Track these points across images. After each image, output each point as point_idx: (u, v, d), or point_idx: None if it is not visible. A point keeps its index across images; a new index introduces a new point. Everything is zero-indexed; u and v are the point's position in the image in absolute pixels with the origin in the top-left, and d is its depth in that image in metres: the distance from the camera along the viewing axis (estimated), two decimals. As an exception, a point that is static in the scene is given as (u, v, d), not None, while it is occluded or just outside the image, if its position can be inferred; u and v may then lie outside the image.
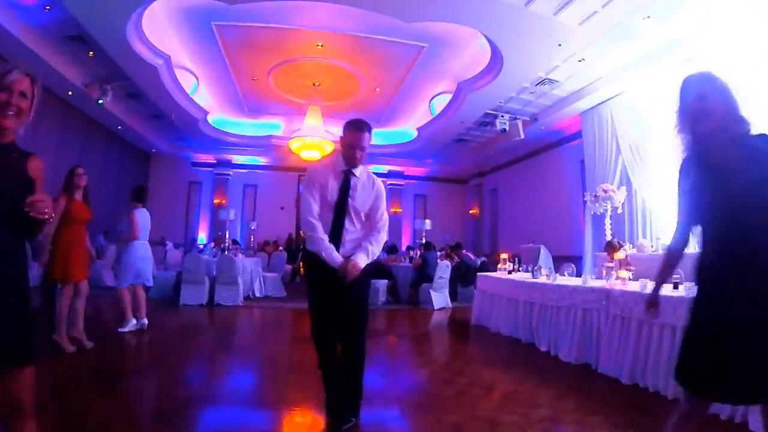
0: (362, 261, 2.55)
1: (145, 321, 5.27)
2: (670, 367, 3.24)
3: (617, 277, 4.21)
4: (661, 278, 1.99)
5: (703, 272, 1.65)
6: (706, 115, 1.71)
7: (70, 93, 9.27)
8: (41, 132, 8.68)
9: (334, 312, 2.62)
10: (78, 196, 4.26)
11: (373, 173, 2.85)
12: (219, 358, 4.51)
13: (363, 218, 2.70)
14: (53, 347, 4.02)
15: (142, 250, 5.26)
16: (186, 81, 10.04)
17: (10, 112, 1.54)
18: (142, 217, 5.20)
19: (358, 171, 2.70)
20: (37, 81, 1.65)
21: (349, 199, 2.62)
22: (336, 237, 2.61)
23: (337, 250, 2.57)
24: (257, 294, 8.76)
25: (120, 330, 5.04)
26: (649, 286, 3.72)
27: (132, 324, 5.13)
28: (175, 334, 5.56)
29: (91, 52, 7.86)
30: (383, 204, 2.77)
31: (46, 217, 1.48)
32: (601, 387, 3.63)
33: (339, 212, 2.62)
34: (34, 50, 7.24)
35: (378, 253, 2.70)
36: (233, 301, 7.50)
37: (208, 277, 7.52)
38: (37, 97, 1.65)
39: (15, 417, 1.51)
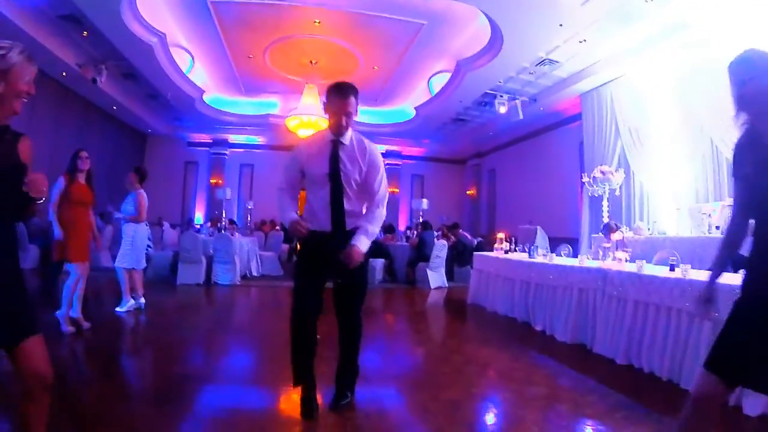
0: (364, 245, 2.37)
1: (143, 300, 5.28)
2: (665, 348, 3.30)
3: (614, 258, 4.23)
4: (717, 270, 1.78)
5: (754, 266, 1.58)
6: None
7: (63, 74, 9.13)
8: (37, 114, 8.58)
9: (321, 290, 2.50)
10: (81, 178, 4.22)
11: (367, 140, 2.60)
12: (217, 337, 4.53)
13: (359, 190, 2.50)
14: (53, 326, 4.04)
15: (146, 232, 5.30)
16: (181, 60, 9.89)
17: (24, 100, 1.58)
18: (145, 198, 5.18)
19: (347, 138, 2.49)
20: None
21: (341, 170, 2.43)
22: (336, 212, 2.45)
23: (339, 226, 2.45)
24: (254, 273, 8.78)
25: (118, 310, 5.05)
26: (645, 267, 3.75)
27: (131, 304, 5.14)
28: (172, 314, 5.57)
29: (84, 32, 7.72)
30: (380, 173, 2.54)
31: (43, 196, 1.51)
32: (596, 366, 3.66)
33: (334, 186, 2.43)
34: (25, 30, 7.10)
35: (377, 232, 2.49)
36: (230, 280, 7.52)
37: (205, 257, 7.52)
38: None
39: (38, 389, 1.53)
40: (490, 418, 2.67)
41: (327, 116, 2.50)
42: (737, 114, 1.62)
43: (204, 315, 5.76)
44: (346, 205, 2.46)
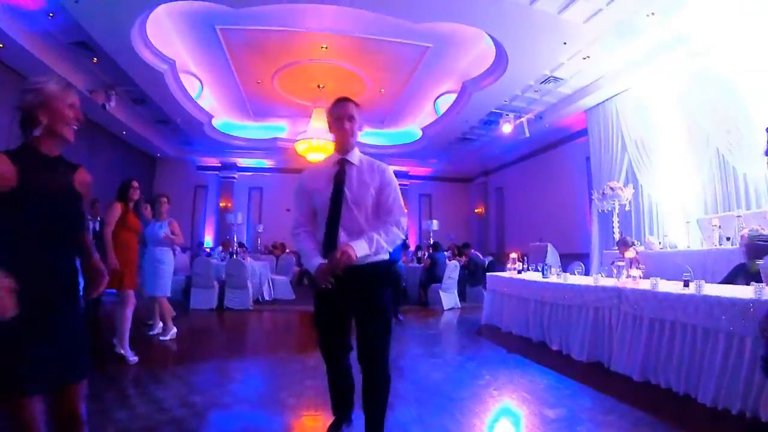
0: (359, 249, 2.06)
1: (161, 325, 5.34)
2: (682, 363, 3.28)
3: (628, 276, 4.21)
4: None
5: None
6: None
7: None
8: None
9: (343, 328, 2.30)
10: (130, 207, 4.37)
11: (378, 161, 2.39)
12: (233, 362, 4.54)
13: (368, 213, 2.24)
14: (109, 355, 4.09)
15: (172, 259, 5.32)
16: (191, 85, 10.10)
17: (75, 127, 1.65)
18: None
19: (355, 157, 2.31)
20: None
21: (346, 190, 2.21)
22: (331, 233, 2.18)
23: (331, 250, 2.11)
24: (266, 297, 8.80)
25: (162, 338, 5.10)
26: (661, 284, 3.74)
27: (173, 332, 5.17)
28: (188, 339, 5.53)
29: (95, 59, 7.90)
30: (394, 193, 2.30)
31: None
32: (614, 385, 3.63)
33: (334, 206, 2.20)
34: (38, 57, 7.27)
35: (387, 248, 2.22)
36: (243, 305, 7.54)
37: (217, 281, 7.56)
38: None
39: (71, 428, 1.56)
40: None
41: (332, 132, 2.35)
42: None
43: (219, 340, 5.77)
44: (344, 234, 2.18)
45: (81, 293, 1.70)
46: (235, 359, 4.72)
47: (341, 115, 2.27)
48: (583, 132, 9.95)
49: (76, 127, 1.64)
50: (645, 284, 3.87)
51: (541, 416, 2.97)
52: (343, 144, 2.30)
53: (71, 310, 1.58)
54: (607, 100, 8.69)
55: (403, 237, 2.32)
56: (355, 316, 2.23)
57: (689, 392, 3.20)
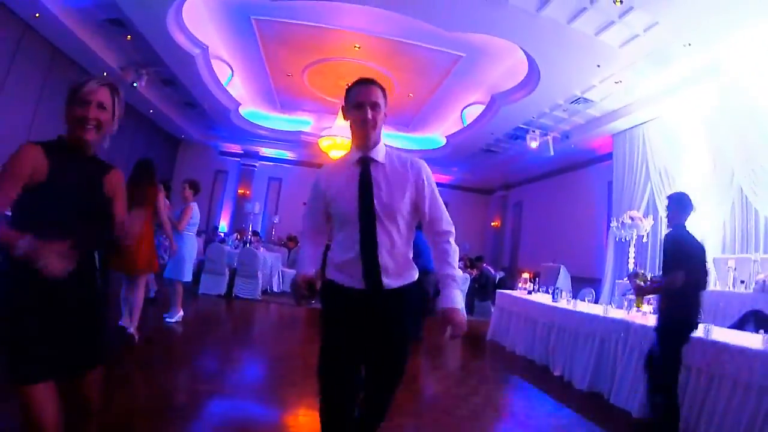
0: (459, 300, 1.76)
1: (182, 313, 5.43)
2: (683, 405, 3.23)
3: (637, 310, 4.16)
4: None
5: None
6: None
7: (105, 74, 9.49)
8: None
9: (354, 370, 1.83)
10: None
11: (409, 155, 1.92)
12: (237, 351, 4.61)
13: (402, 226, 1.81)
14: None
15: (194, 243, 5.45)
16: (221, 71, 10.22)
17: (89, 126, 1.52)
18: (196, 211, 5.33)
19: (381, 154, 1.83)
20: (117, 90, 1.61)
21: (375, 198, 1.76)
22: (369, 259, 1.75)
23: (376, 278, 1.75)
24: (275, 289, 8.88)
25: (168, 320, 5.17)
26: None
27: (180, 316, 5.26)
28: (195, 324, 5.60)
29: (129, 36, 7.99)
30: (433, 195, 1.86)
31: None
32: (613, 418, 3.60)
33: (365, 222, 1.75)
34: (73, 31, 7.39)
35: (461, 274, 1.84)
36: (251, 295, 7.63)
37: (229, 269, 7.65)
38: (119, 106, 1.62)
39: (84, 413, 1.58)
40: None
41: (350, 123, 1.87)
42: None
43: (225, 328, 5.85)
44: (386, 245, 1.77)
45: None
46: (239, 348, 4.78)
47: (362, 101, 1.79)
48: (608, 156, 9.82)
49: (92, 127, 1.53)
50: (654, 320, 3.81)
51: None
52: (364, 138, 1.81)
53: (86, 302, 1.57)
54: (635, 126, 8.57)
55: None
56: (368, 357, 1.83)
57: (690, 432, 3.17)
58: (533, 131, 9.76)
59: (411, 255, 1.88)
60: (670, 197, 3.48)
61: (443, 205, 1.88)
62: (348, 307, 1.78)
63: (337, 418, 1.80)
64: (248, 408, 3.07)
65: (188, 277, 5.30)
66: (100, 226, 1.55)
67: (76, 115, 1.51)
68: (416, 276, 1.89)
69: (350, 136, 1.91)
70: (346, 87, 1.90)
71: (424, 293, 5.62)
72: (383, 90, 1.85)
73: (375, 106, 1.80)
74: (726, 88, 6.44)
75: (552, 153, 9.79)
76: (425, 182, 1.83)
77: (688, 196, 3.41)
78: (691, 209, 3.37)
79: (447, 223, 1.85)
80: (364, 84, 1.84)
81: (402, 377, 1.87)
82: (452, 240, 1.84)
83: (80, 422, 1.58)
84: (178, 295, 5.21)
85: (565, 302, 5.11)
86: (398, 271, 1.79)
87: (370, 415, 1.91)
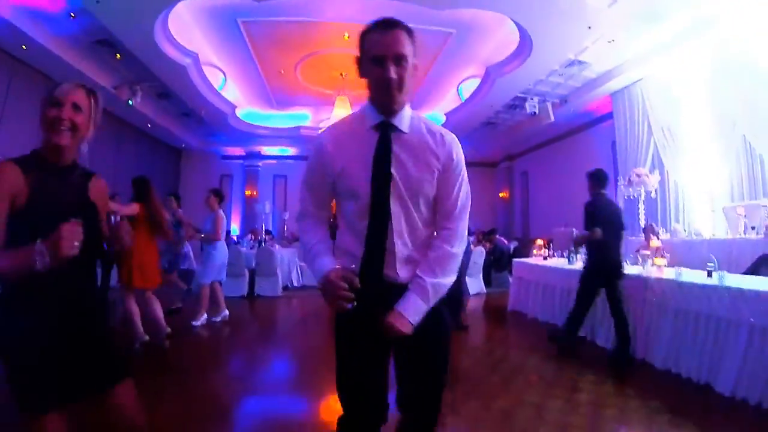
0: (413, 313, 1.36)
1: (226, 312, 5.71)
2: (702, 354, 3.34)
3: (653, 264, 4.25)
4: None
5: None
6: None
7: None
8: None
9: (381, 379, 1.46)
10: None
11: (440, 126, 1.52)
12: (266, 349, 4.77)
13: (426, 209, 1.46)
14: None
15: (225, 249, 5.69)
16: (214, 77, 10.27)
17: (62, 128, 1.42)
18: (224, 219, 5.58)
19: (405, 120, 1.44)
20: (94, 92, 1.53)
21: (394, 172, 1.39)
22: (378, 248, 1.39)
23: (378, 276, 1.40)
24: (295, 284, 9.07)
25: (194, 323, 5.37)
26: (684, 274, 3.78)
27: (204, 319, 5.47)
28: (224, 327, 5.73)
29: (118, 55, 8.06)
30: (460, 180, 1.48)
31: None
32: (637, 372, 3.74)
33: (378, 204, 1.38)
34: (62, 57, 7.48)
35: (446, 287, 1.45)
36: (273, 292, 7.83)
37: (248, 269, 7.83)
38: (95, 109, 1.53)
39: (131, 429, 1.54)
40: (540, 423, 2.77)
41: (367, 80, 1.42)
42: None
43: (253, 327, 6.02)
44: (400, 241, 1.41)
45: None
46: (269, 346, 4.94)
47: (383, 54, 1.34)
48: (609, 116, 9.80)
49: (65, 129, 1.43)
50: (669, 273, 3.92)
51: (566, 400, 3.10)
52: (386, 101, 1.39)
53: (91, 321, 1.52)
54: (632, 84, 8.54)
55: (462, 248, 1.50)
56: (400, 353, 1.49)
57: (709, 381, 3.28)
58: (531, 99, 9.74)
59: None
60: (588, 174, 4.36)
61: (465, 196, 1.50)
62: (366, 306, 1.36)
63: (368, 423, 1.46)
64: (285, 403, 3.21)
65: (221, 277, 5.60)
66: (94, 235, 1.45)
67: (49, 117, 1.41)
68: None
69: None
70: (360, 32, 1.44)
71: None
72: (410, 33, 1.39)
73: (400, 59, 1.34)
74: (721, 40, 6.40)
75: (552, 119, 9.79)
76: (455, 165, 1.46)
77: (602, 171, 4.34)
78: (607, 181, 4.29)
79: (462, 226, 1.48)
80: (385, 29, 1.37)
81: (446, 368, 1.52)
82: (456, 242, 1.46)
83: None
84: (204, 298, 5.42)
85: (581, 264, 5.20)
86: (419, 258, 1.43)
87: (417, 418, 1.52)
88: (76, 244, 1.27)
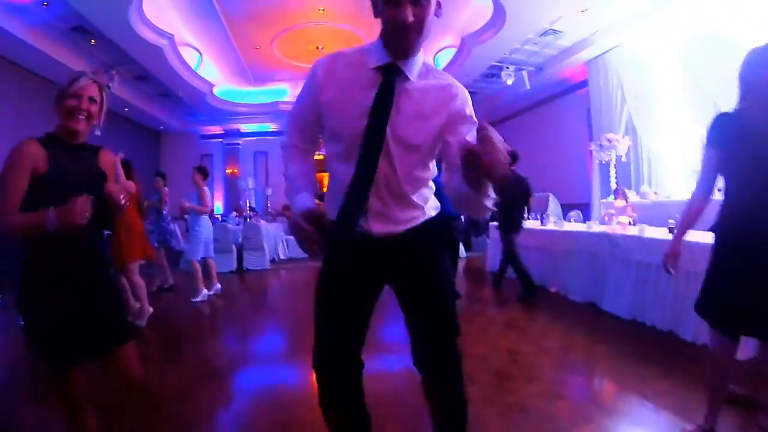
0: None
1: (218, 286, 5.87)
2: (665, 303, 3.65)
3: (618, 223, 4.55)
4: (683, 230, 2.07)
5: (730, 223, 1.88)
6: None
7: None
8: (54, 122, 8.91)
9: (363, 323, 1.44)
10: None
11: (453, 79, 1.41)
12: (258, 320, 5.00)
13: (415, 164, 1.35)
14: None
15: (209, 225, 5.82)
16: (190, 57, 10.17)
17: (80, 116, 1.67)
18: (209, 194, 5.69)
19: (415, 67, 1.32)
20: (104, 88, 1.80)
21: (388, 127, 1.27)
22: (356, 189, 1.30)
23: (350, 221, 1.32)
24: (282, 257, 9.28)
25: (194, 300, 5.51)
26: (647, 231, 4.07)
27: (204, 294, 5.62)
28: (216, 301, 5.86)
29: (93, 41, 7.96)
30: (473, 132, 1.15)
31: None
32: (605, 322, 4.07)
33: (368, 148, 1.28)
34: (37, 47, 7.39)
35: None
36: (261, 266, 8.05)
37: (235, 245, 8.00)
38: (105, 101, 1.79)
39: (130, 389, 1.71)
40: (513, 365, 3.06)
41: (381, 19, 1.26)
42: (741, 97, 1.86)
43: (245, 298, 6.23)
44: (384, 196, 1.35)
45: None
46: (260, 316, 5.17)
47: None
48: (584, 84, 10.00)
49: (82, 117, 1.67)
50: (633, 230, 4.22)
51: (538, 346, 3.41)
52: (400, 45, 1.26)
53: (103, 282, 1.70)
54: (606, 52, 8.72)
55: None
56: (404, 299, 1.45)
57: (672, 329, 3.59)
58: (507, 68, 9.89)
59: (421, 200, 1.42)
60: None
61: None
62: (355, 259, 1.38)
63: (334, 393, 1.44)
64: (277, 371, 3.37)
65: (209, 253, 5.77)
66: (103, 204, 1.60)
67: (68, 107, 1.65)
68: (436, 212, 1.49)
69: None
70: None
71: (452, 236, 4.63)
72: None
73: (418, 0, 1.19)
74: (694, 11, 6.51)
75: (528, 87, 9.97)
76: (468, 119, 1.34)
77: (514, 152, 4.89)
78: (517, 159, 5.07)
79: None
80: None
81: (455, 313, 1.47)
82: None
83: (129, 397, 1.74)
84: (198, 274, 5.56)
85: (553, 225, 5.51)
86: (402, 212, 1.37)
87: (440, 378, 1.46)
88: (87, 215, 1.50)
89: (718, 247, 1.93)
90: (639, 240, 3.92)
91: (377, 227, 1.36)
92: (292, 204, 1.38)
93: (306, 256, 8.20)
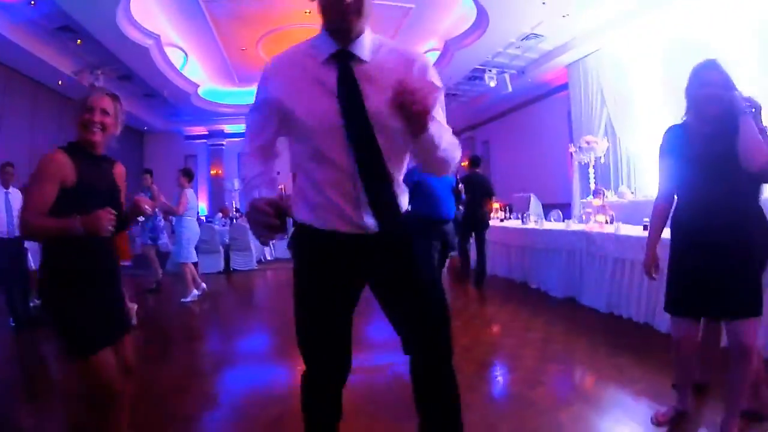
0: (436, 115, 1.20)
1: (204, 285, 5.84)
2: (640, 297, 3.83)
3: (595, 221, 4.74)
4: (654, 234, 2.21)
5: (681, 226, 2.06)
6: (717, 99, 1.91)
7: (60, 83, 9.28)
8: (39, 125, 8.90)
9: (346, 334, 1.41)
10: None
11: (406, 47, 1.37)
12: (245, 319, 5.08)
13: (393, 147, 1.28)
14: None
15: (195, 226, 5.83)
16: (175, 57, 10.15)
17: (95, 129, 1.78)
18: (192, 197, 5.68)
19: (366, 46, 1.26)
20: (117, 98, 1.91)
21: (366, 104, 1.21)
22: (378, 193, 1.27)
23: (387, 217, 1.30)
24: (268, 257, 9.33)
25: (184, 300, 5.53)
26: (622, 228, 4.27)
27: (195, 294, 5.64)
28: (203, 301, 5.84)
29: (78, 41, 7.91)
30: (440, 108, 1.28)
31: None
32: (584, 315, 4.25)
33: (361, 137, 1.22)
34: (21, 46, 7.34)
35: (456, 148, 1.35)
36: (248, 266, 8.13)
37: (222, 246, 8.03)
38: (120, 112, 1.91)
39: (126, 377, 1.84)
40: (495, 356, 3.23)
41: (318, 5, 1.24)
42: (686, 110, 2.09)
43: (231, 298, 6.31)
44: (373, 183, 1.27)
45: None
46: (247, 316, 5.25)
47: None
48: (565, 87, 10.27)
49: (97, 129, 1.78)
50: (609, 228, 4.41)
51: (520, 338, 3.57)
52: (341, 27, 1.22)
53: (116, 281, 1.88)
54: (586, 56, 8.98)
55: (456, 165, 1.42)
56: (382, 290, 1.41)
57: (648, 321, 3.77)
58: (490, 71, 10.10)
59: (401, 186, 1.39)
60: (468, 159, 6.13)
61: (443, 120, 1.33)
62: (339, 255, 1.32)
63: (321, 404, 1.45)
64: (263, 370, 3.40)
65: (193, 258, 5.71)
66: (118, 211, 1.74)
67: (83, 120, 1.78)
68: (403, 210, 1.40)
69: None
70: None
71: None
72: None
73: None
74: (673, 17, 6.76)
75: (510, 89, 10.20)
76: (430, 83, 1.22)
77: (477, 156, 6.12)
78: (479, 162, 6.04)
79: (454, 144, 1.34)
80: None
81: (442, 291, 1.48)
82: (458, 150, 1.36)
83: (128, 387, 1.90)
84: (187, 275, 5.59)
85: (533, 224, 5.70)
86: (384, 202, 1.31)
87: (429, 358, 1.43)
88: (110, 228, 1.63)
89: (671, 239, 2.12)
90: (615, 237, 4.11)
91: (369, 220, 1.28)
92: (246, 201, 1.25)
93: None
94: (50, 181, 1.67)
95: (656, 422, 2.16)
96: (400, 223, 1.36)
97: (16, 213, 4.47)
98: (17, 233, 4.38)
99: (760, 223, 1.98)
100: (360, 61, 1.24)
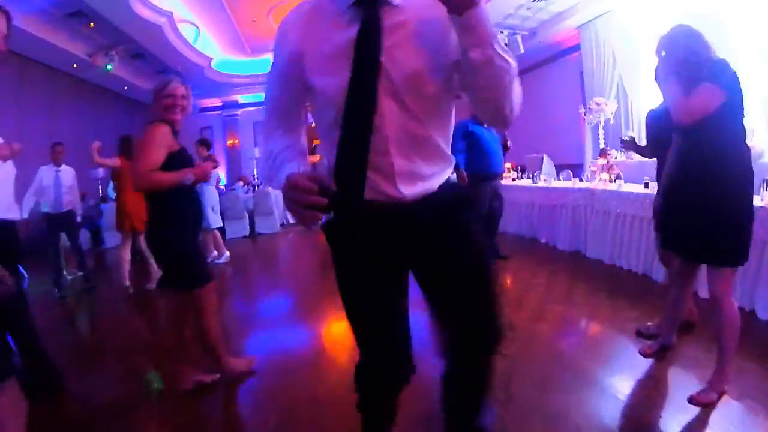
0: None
1: (215, 253, 6.15)
2: (639, 249, 4.12)
3: (600, 179, 5.01)
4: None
5: (666, 184, 2.27)
6: (695, 65, 2.03)
7: (74, 66, 9.51)
8: (58, 111, 9.28)
9: (404, 321, 1.25)
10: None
11: None
12: (271, 280, 5.52)
13: (430, 107, 1.09)
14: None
15: (214, 193, 6.19)
16: (187, 32, 10.31)
17: (177, 110, 2.27)
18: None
19: None
20: (187, 84, 2.35)
21: (384, 62, 1.00)
22: (356, 158, 1.01)
23: (383, 188, 1.08)
24: (290, 221, 9.74)
25: (217, 262, 5.96)
26: (624, 186, 4.53)
27: (226, 256, 6.11)
28: (236, 262, 6.28)
29: (92, 23, 8.08)
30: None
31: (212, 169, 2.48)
32: (588, 266, 4.59)
33: (359, 101, 1.00)
34: (34, 33, 7.52)
35: (512, 62, 1.07)
36: (272, 229, 8.68)
37: (247, 212, 8.50)
38: (190, 95, 2.34)
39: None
40: (502, 297, 3.51)
41: None
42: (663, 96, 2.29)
43: (262, 260, 6.78)
44: (406, 149, 1.07)
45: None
46: (274, 277, 5.68)
47: None
48: (577, 48, 10.24)
49: (178, 110, 2.27)
50: (612, 186, 4.68)
51: (526, 283, 3.97)
52: None
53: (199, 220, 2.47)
54: (598, 17, 8.94)
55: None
56: (425, 273, 1.21)
57: (646, 272, 4.06)
58: (502, 32, 10.09)
59: (448, 147, 1.19)
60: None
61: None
62: (383, 238, 1.14)
63: (381, 403, 1.37)
64: (288, 330, 3.52)
65: (216, 224, 6.06)
66: None
67: (166, 105, 2.24)
68: (447, 176, 1.19)
69: None
70: None
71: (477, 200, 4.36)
72: None
73: None
74: None
75: (522, 50, 10.20)
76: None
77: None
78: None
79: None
80: None
81: (492, 276, 1.23)
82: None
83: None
84: (211, 240, 5.99)
85: (543, 183, 5.99)
86: (419, 170, 1.10)
87: (474, 351, 1.21)
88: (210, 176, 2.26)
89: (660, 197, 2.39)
90: (617, 194, 4.39)
91: (407, 190, 1.08)
92: (277, 180, 1.06)
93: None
94: (161, 146, 2.18)
95: (643, 354, 2.47)
96: (436, 195, 1.13)
97: (65, 190, 4.83)
98: (65, 209, 4.82)
99: (735, 176, 1.97)
100: (390, 4, 1.02)
